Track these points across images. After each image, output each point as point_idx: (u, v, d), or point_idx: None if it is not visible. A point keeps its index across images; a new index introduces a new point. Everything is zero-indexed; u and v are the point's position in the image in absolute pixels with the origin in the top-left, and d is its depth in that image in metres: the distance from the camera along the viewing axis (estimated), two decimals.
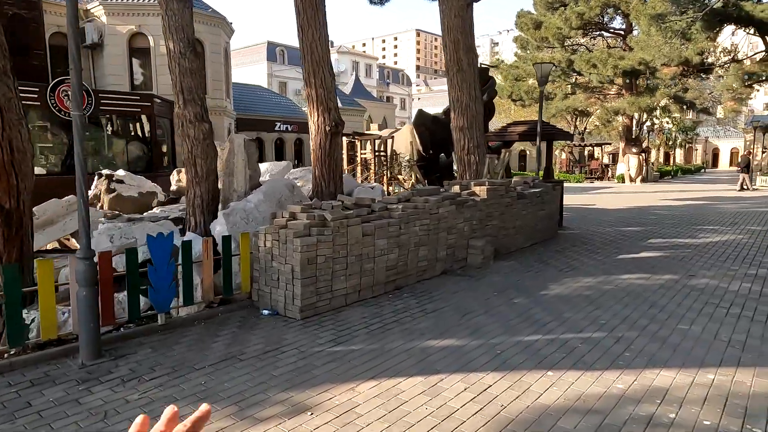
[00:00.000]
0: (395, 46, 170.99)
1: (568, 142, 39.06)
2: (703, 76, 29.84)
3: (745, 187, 23.90)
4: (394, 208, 6.51)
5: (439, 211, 7.07)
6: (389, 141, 13.41)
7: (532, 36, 30.11)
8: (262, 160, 29.91)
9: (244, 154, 6.99)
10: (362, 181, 12.37)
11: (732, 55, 28.27)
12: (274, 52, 59.39)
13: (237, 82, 33.40)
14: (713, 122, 59.69)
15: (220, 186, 7.08)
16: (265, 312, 5.44)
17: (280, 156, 29.15)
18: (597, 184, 31.44)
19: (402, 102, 76.60)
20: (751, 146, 35.27)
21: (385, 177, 12.99)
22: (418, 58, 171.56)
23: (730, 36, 29.41)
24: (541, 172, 11.61)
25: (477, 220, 7.93)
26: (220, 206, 6.90)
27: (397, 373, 3.97)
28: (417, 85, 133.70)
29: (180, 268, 5.16)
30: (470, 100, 10.90)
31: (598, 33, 32.07)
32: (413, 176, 12.66)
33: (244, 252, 5.61)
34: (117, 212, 7.61)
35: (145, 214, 7.60)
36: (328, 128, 7.77)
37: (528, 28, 29.89)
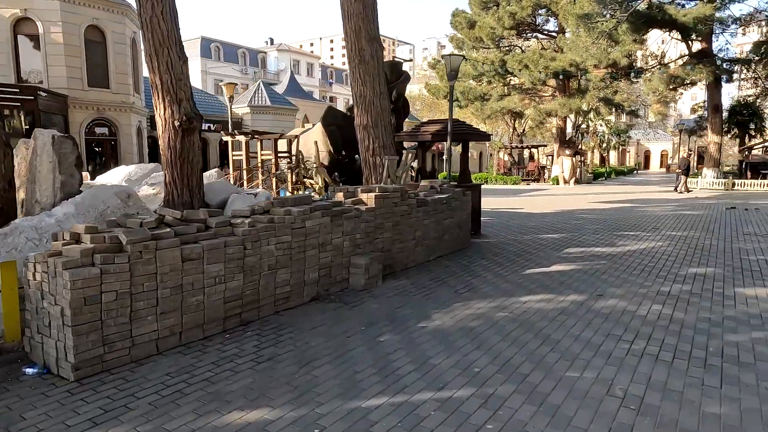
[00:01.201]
0: (343, 46, 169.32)
1: (506, 144, 39.05)
2: (633, 79, 30.31)
3: (680, 190, 23.94)
4: (239, 224, 5.19)
5: (305, 224, 5.81)
6: (295, 141, 12.07)
7: (467, 36, 29.59)
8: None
9: (52, 155, 5.47)
10: (251, 186, 10.95)
11: (659, 59, 28.80)
12: (208, 48, 56.55)
13: None
14: (645, 125, 62.07)
15: (22, 196, 5.52)
16: (30, 370, 3.98)
17: (204, 158, 27.08)
18: (532, 186, 31.31)
19: (347, 102, 75.26)
20: (686, 148, 36.33)
21: (290, 181, 11.63)
22: None
23: (661, 42, 30.05)
24: (486, 174, 10.59)
25: (362, 234, 6.73)
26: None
27: None
28: None
29: None
30: (375, 95, 9.77)
31: (532, 35, 32.03)
32: (321, 180, 11.38)
33: (6, 287, 4.12)
34: None
35: None
36: (177, 123, 6.35)
37: (462, 27, 29.34)
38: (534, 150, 39.75)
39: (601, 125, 42.93)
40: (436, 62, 32.67)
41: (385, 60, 12.11)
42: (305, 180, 11.77)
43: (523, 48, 30.54)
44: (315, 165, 11.33)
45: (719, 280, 6.94)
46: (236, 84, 18.50)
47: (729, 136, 31.16)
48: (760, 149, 31.70)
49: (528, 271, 7.51)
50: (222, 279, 4.87)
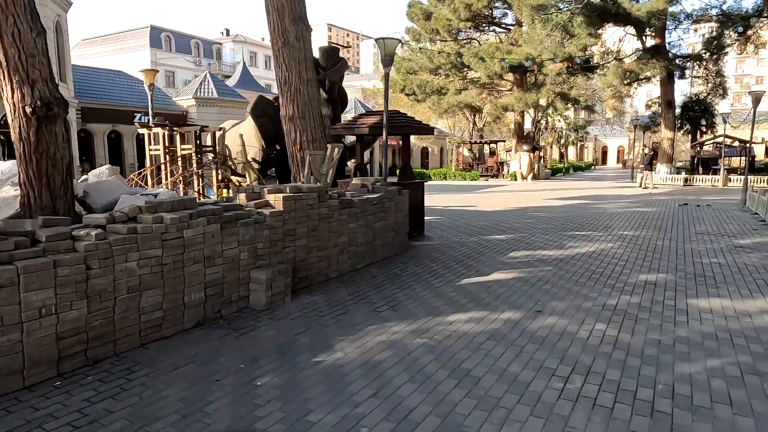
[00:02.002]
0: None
1: (466, 139, 38.56)
2: (589, 75, 30.20)
3: (645, 185, 23.71)
4: (83, 236, 4.08)
5: (184, 234, 4.74)
6: (219, 135, 10.88)
7: (423, 27, 28.77)
8: (120, 155, 25.93)
9: None
10: (155, 185, 9.71)
11: (615, 54, 28.74)
12: (158, 37, 53.85)
13: (89, 66, 28.94)
14: (602, 121, 63.01)
15: None
16: None
17: (141, 153, 25.29)
18: (491, 182, 30.87)
19: None
20: (641, 143, 36.66)
21: (215, 180, 10.45)
22: None
23: (618, 41, 30.02)
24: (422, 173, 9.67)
25: (266, 242, 5.70)
26: None
27: None
28: None
29: None
30: (301, 82, 8.72)
31: (490, 28, 31.51)
32: (248, 177, 10.25)
33: None
34: None
35: None
36: (29, 109, 5.14)
37: (419, 18, 28.49)
38: (494, 145, 39.44)
39: (559, 121, 43.05)
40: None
41: (321, 46, 11.08)
42: (232, 178, 10.61)
43: (480, 41, 29.95)
44: (242, 161, 10.19)
45: (671, 289, 6.25)
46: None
47: (681, 132, 31.51)
48: (711, 145, 32.21)
49: (464, 281, 6.65)
50: (53, 309, 3.76)
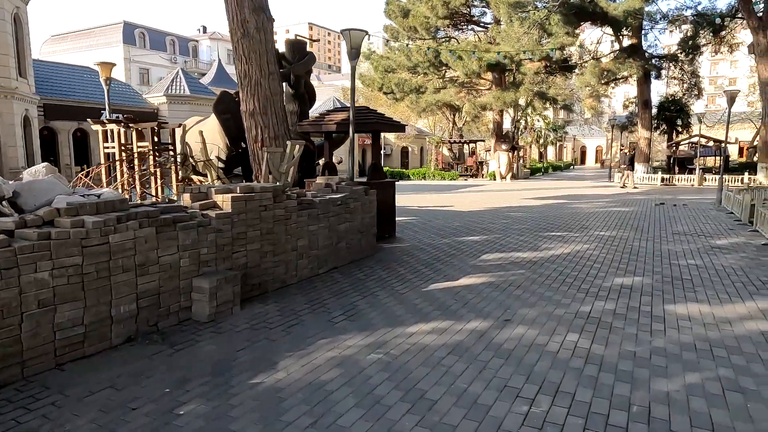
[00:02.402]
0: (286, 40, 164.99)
1: (446, 138, 38.30)
2: (567, 74, 30.17)
3: (625, 184, 23.69)
4: None
5: (110, 239, 4.22)
6: (179, 131, 10.28)
7: (401, 25, 28.38)
8: (86, 154, 24.93)
9: None
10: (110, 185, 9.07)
11: (592, 54, 28.74)
12: (132, 33, 52.50)
13: (53, 62, 27.87)
14: (581, 121, 63.51)
15: None
16: None
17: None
18: (470, 181, 30.65)
19: None
20: (618, 143, 36.82)
21: (174, 179, 9.86)
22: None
23: (597, 42, 30.05)
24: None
25: (211, 247, 5.19)
26: None
27: None
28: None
29: None
30: (262, 76, 8.23)
31: (469, 27, 31.28)
32: (210, 176, 9.69)
33: None
34: None
35: None
36: None
37: (396, 16, 28.09)
38: (474, 145, 39.26)
39: (538, 121, 43.11)
40: (370, 53, 31.30)
41: (288, 39, 10.59)
42: (193, 177, 10.03)
43: (459, 40, 29.69)
44: (202, 159, 9.62)
45: (647, 293, 5.93)
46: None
47: (658, 132, 31.71)
48: (687, 145, 32.49)
49: (431, 287, 6.23)
50: None
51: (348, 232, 7.53)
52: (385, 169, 35.44)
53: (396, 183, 10.22)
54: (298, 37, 10.45)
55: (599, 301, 5.60)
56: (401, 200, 18.12)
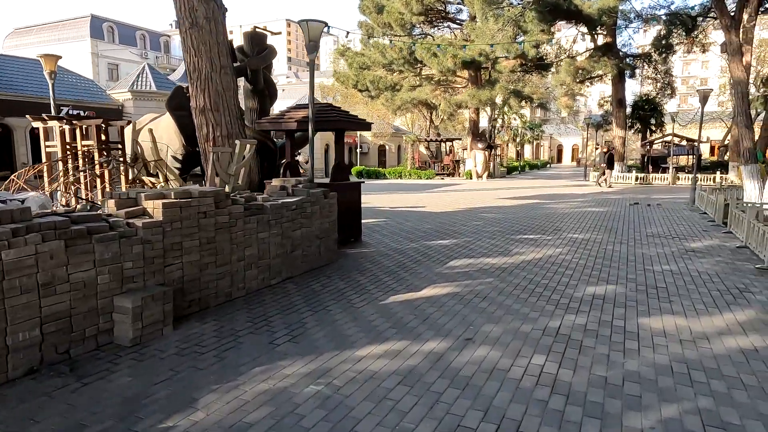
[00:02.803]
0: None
1: (422, 137, 37.92)
2: (543, 72, 30.04)
3: (601, 183, 23.71)
4: None
5: (1, 256, 3.60)
6: (128, 130, 9.58)
7: (376, 21, 27.82)
8: (37, 153, 23.72)
9: None
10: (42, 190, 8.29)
11: (568, 52, 28.66)
12: (99, 27, 50.72)
13: (7, 55, 26.55)
14: (557, 120, 63.91)
15: None
16: None
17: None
18: (446, 180, 30.33)
19: None
20: (593, 142, 36.95)
21: (123, 181, 9.15)
22: (289, 50, 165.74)
23: (573, 42, 29.95)
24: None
25: (138, 260, 4.60)
26: None
27: None
28: (287, 77, 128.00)
29: None
30: (213, 69, 7.63)
31: (445, 24, 30.92)
32: (161, 177, 9.02)
33: None
34: None
35: None
36: None
37: (370, 11, 27.53)
38: (452, 144, 38.98)
39: (515, 119, 43.07)
40: (345, 49, 30.68)
41: (246, 31, 9.97)
42: (145, 179, 9.34)
43: (434, 37, 29.29)
44: (153, 159, 8.95)
45: (620, 305, 5.53)
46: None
47: (632, 131, 31.85)
48: (660, 144, 32.72)
49: (391, 299, 5.74)
50: None
51: (305, 238, 6.98)
52: (360, 167, 34.91)
53: (362, 183, 9.70)
54: (256, 29, 9.82)
55: (570, 315, 5.18)
56: (374, 200, 17.63)
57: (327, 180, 9.12)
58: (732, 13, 14.64)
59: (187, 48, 7.65)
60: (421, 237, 9.98)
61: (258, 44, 9.68)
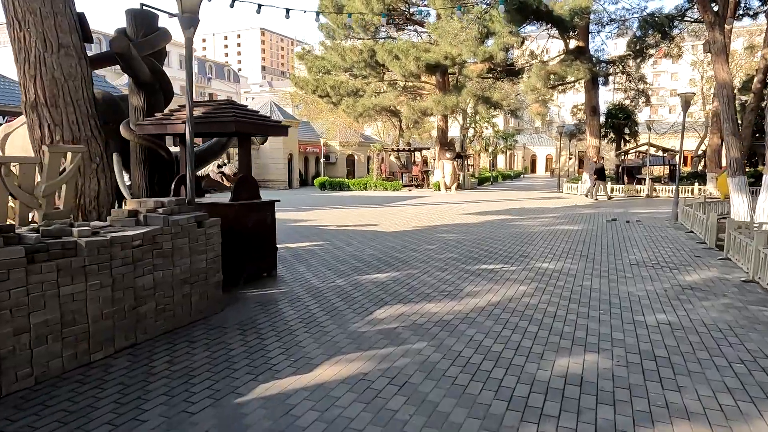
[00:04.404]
0: (238, 44, 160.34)
1: (388, 145, 36.08)
2: (513, 78, 28.59)
3: (590, 194, 22.49)
4: None
5: None
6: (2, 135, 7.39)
7: (335, 22, 25.96)
8: None
9: None
10: None
11: (539, 57, 27.29)
12: None
13: None
14: (531, 130, 63.06)
15: None
16: None
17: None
18: (413, 192, 28.49)
19: (228, 99, 68.59)
20: (567, 152, 35.66)
21: None
22: (264, 59, 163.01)
23: (546, 50, 28.65)
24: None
25: None
26: None
27: None
28: (261, 86, 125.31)
29: None
30: (47, 49, 5.55)
31: (411, 27, 29.26)
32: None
33: None
34: None
35: None
36: None
37: (330, 11, 25.63)
38: (424, 153, 37.26)
39: (487, 128, 41.67)
40: (305, 52, 28.73)
41: (129, 9, 7.85)
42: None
43: (399, 40, 27.56)
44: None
45: (607, 401, 3.60)
46: None
47: (606, 140, 30.64)
48: (634, 153, 31.59)
49: (254, 394, 3.69)
50: None
51: (161, 286, 4.89)
52: (324, 179, 32.81)
53: (276, 202, 7.65)
54: (143, 6, 7.76)
55: (527, 428, 3.21)
56: (323, 217, 15.60)
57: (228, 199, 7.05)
58: (715, 9, 13.18)
59: (9, 19, 5.54)
60: (355, 269, 7.97)
61: (145, 25, 7.58)
